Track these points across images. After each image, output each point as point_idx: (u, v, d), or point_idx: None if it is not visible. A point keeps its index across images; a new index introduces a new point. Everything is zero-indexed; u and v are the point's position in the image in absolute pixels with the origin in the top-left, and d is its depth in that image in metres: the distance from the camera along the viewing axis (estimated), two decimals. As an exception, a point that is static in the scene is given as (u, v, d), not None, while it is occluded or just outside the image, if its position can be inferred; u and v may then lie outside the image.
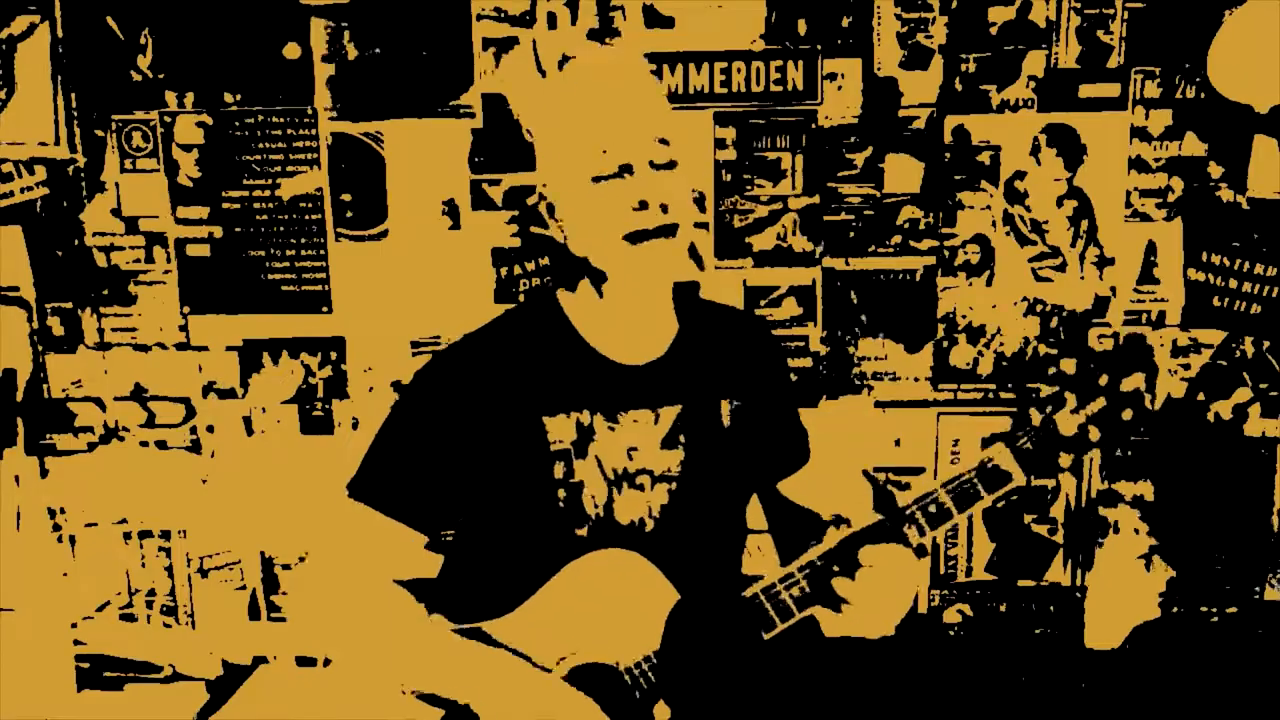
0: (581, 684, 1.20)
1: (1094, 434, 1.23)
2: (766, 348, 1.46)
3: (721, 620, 1.22)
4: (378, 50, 2.02)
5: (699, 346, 1.34)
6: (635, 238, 1.19)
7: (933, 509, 1.21)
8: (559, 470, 1.24)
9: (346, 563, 1.23)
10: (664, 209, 1.19)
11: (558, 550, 1.23)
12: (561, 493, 1.24)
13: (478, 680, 1.18)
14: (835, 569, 1.19)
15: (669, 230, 1.20)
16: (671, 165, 1.21)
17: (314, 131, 2.05)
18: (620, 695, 1.20)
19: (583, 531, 1.25)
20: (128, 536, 2.19)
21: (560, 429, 1.25)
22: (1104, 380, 1.23)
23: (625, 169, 1.19)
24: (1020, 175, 2.01)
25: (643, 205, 1.18)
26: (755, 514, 1.48)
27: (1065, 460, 1.24)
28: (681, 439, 1.29)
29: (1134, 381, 1.23)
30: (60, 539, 2.19)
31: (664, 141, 1.21)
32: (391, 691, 1.21)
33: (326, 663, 2.19)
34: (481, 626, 1.24)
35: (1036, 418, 1.24)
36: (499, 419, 1.24)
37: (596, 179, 1.20)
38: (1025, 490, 1.17)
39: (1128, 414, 1.23)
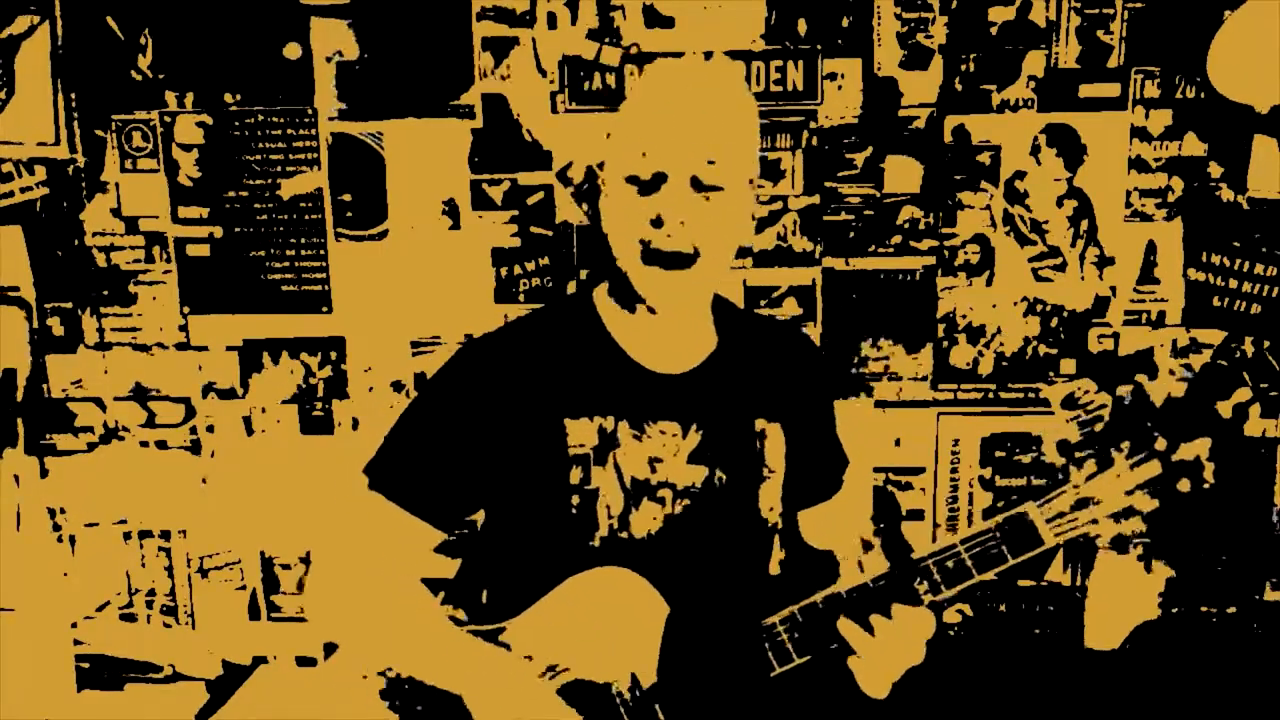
0: (571, 700, 1.18)
1: (1141, 502, 1.11)
2: (811, 368, 1.40)
3: (723, 644, 1.19)
4: (373, 52, 2.02)
5: (739, 361, 1.30)
6: (647, 258, 1.16)
7: (950, 565, 1.12)
8: (575, 475, 1.21)
9: (357, 553, 1.22)
10: (683, 224, 1.14)
11: (567, 558, 1.20)
12: (576, 499, 1.21)
13: (475, 675, 1.17)
14: (839, 617, 1.13)
15: (684, 259, 1.16)
16: (717, 189, 1.16)
17: (314, 131, 2.05)
18: (608, 715, 1.19)
19: (595, 541, 1.21)
20: (128, 536, 2.19)
21: (581, 433, 1.21)
22: (1161, 445, 1.10)
23: (658, 178, 1.15)
24: (1020, 175, 2.01)
25: (658, 222, 1.15)
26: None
27: (1106, 529, 1.10)
28: (708, 455, 1.25)
29: (1194, 449, 1.10)
30: (60, 539, 2.19)
31: (712, 163, 1.15)
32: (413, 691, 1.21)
33: (331, 648, 2.19)
34: (501, 626, 1.23)
35: (1077, 477, 1.12)
36: (519, 417, 1.22)
37: (629, 179, 1.17)
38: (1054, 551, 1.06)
39: (1184, 485, 1.10)
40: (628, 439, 1.22)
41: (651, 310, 1.22)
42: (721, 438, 1.26)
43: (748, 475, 1.28)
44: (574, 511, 1.21)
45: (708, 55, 1.29)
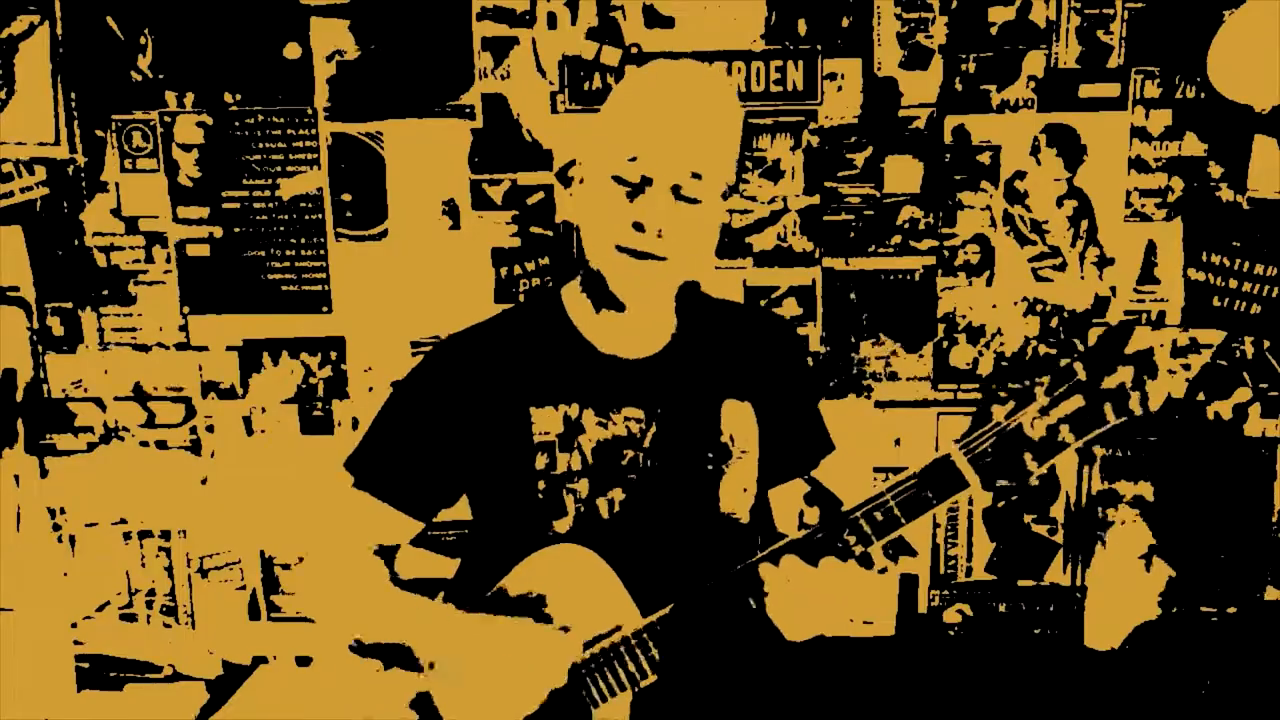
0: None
1: (1067, 437, 1.08)
2: (779, 346, 1.40)
3: (715, 621, 1.19)
4: (376, 50, 2.02)
5: (699, 344, 1.32)
6: (621, 251, 1.18)
7: (879, 515, 1.12)
8: (541, 462, 1.24)
9: (341, 546, 1.26)
10: (660, 234, 1.16)
11: (535, 543, 1.23)
12: (542, 484, 1.24)
13: (425, 626, 1.20)
14: (764, 575, 1.13)
15: (657, 259, 1.17)
16: (695, 201, 1.17)
17: (314, 131, 2.05)
18: (574, 691, 1.20)
19: (562, 526, 1.24)
20: (128, 536, 2.19)
21: (546, 420, 1.25)
22: (1082, 375, 1.08)
23: (643, 182, 1.16)
24: (1020, 175, 2.01)
25: (638, 227, 1.16)
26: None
27: (1033, 466, 1.09)
28: (671, 439, 1.26)
29: (1118, 378, 1.07)
30: (60, 539, 2.18)
31: (697, 175, 1.16)
32: (388, 691, 1.22)
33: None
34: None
35: (999, 414, 1.10)
36: (488, 408, 1.25)
37: (615, 178, 1.17)
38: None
39: (1110, 415, 1.07)
40: (592, 425, 1.25)
41: (620, 306, 1.24)
42: (686, 420, 1.28)
43: (713, 456, 1.30)
44: (540, 497, 1.24)
45: (706, 59, 1.29)
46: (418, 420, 1.27)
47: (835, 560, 1.13)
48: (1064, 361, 1.10)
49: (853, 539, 1.12)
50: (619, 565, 1.21)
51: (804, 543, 1.14)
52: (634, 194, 1.17)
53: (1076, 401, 1.08)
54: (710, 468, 1.29)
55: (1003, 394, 1.11)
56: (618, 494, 1.25)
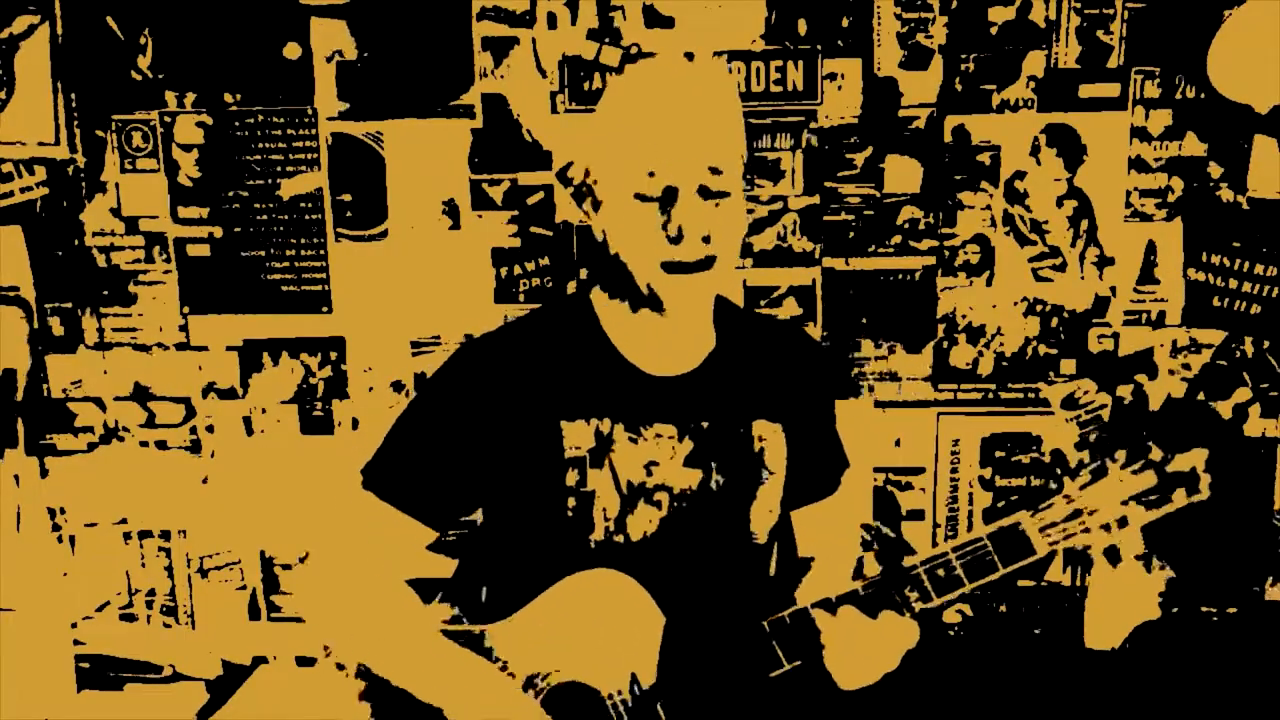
0: (561, 703, 1.19)
1: (1135, 513, 1.11)
2: (811, 366, 1.39)
3: (721, 648, 1.19)
4: (372, 52, 2.02)
5: (736, 362, 1.30)
6: (671, 268, 1.15)
7: (941, 573, 1.13)
8: (572, 478, 1.21)
9: (352, 554, 1.21)
10: (705, 240, 1.14)
11: (563, 560, 1.21)
12: (572, 501, 1.21)
13: (455, 686, 1.17)
14: (821, 624, 1.13)
15: (707, 263, 1.15)
16: (724, 195, 1.15)
17: (314, 131, 2.05)
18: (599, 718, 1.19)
19: (591, 544, 1.21)
20: (128, 536, 2.19)
21: (578, 435, 1.21)
22: (1157, 455, 1.10)
23: (669, 194, 1.14)
24: (1020, 175, 2.01)
25: (679, 238, 1.13)
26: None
27: (1099, 540, 1.11)
28: (705, 458, 1.25)
29: (1190, 460, 1.09)
30: (60, 539, 2.19)
31: (716, 171, 1.14)
32: (391, 691, 1.21)
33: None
34: (483, 630, 1.23)
35: (1071, 488, 1.13)
36: (516, 419, 1.22)
37: (639, 196, 1.15)
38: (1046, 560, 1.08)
39: (1180, 497, 1.09)
40: (623, 441, 1.22)
41: (660, 312, 1.21)
42: (718, 440, 1.26)
43: (745, 478, 1.28)
44: (570, 514, 1.21)
45: (689, 55, 1.28)
46: (442, 426, 1.23)
47: (894, 614, 1.13)
48: (1143, 435, 1.12)
49: (914, 595, 1.13)
50: (650, 586, 1.19)
51: (864, 594, 1.13)
52: (664, 207, 1.14)
53: (1148, 479, 1.10)
54: (742, 490, 1.27)
55: (1079, 460, 1.13)
56: (648, 513, 1.23)
